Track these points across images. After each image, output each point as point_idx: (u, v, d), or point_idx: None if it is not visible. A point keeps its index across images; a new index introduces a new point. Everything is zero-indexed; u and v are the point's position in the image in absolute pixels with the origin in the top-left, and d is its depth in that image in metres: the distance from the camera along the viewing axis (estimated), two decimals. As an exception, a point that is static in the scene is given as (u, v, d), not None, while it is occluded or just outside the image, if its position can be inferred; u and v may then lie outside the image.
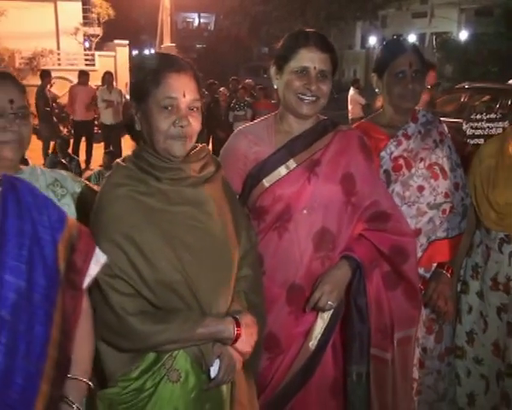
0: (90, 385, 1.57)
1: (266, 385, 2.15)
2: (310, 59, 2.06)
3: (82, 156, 11.09)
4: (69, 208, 1.80)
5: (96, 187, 1.96)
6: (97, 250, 1.58)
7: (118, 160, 1.83)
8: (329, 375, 2.20)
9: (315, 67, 2.06)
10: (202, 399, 1.77)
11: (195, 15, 41.13)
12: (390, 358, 2.19)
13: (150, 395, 1.71)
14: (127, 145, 9.95)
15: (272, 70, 2.19)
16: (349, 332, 2.17)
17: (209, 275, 1.76)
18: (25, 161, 2.20)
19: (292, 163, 2.13)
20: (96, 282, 1.61)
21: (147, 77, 1.70)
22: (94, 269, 1.56)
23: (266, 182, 2.13)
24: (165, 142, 1.71)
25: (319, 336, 2.13)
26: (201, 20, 41.33)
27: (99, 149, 11.29)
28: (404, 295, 2.24)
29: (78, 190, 1.90)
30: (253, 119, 10.26)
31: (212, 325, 1.73)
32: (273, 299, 2.10)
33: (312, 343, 2.13)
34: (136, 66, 1.79)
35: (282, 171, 2.12)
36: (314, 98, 2.09)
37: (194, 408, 1.75)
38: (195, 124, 1.73)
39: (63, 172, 1.94)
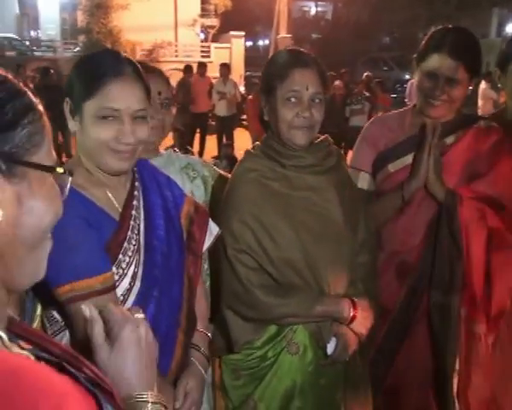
0: (209, 337, 1.75)
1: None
2: (439, 64, 2.05)
3: (195, 148, 11.10)
4: (199, 189, 2.04)
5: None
6: (211, 223, 1.77)
7: (248, 148, 2.00)
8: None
9: (443, 73, 2.05)
10: (318, 373, 1.89)
11: (312, 4, 40.37)
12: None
13: (271, 365, 1.87)
14: (239, 137, 9.97)
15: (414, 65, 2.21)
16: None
17: (328, 257, 1.85)
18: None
19: None
20: (225, 255, 1.81)
21: (274, 72, 1.83)
22: (209, 239, 1.75)
23: (391, 167, 2.20)
24: (288, 131, 1.82)
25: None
26: (318, 9, 40.56)
27: (211, 141, 11.30)
28: None
29: (207, 173, 2.11)
30: (370, 114, 9.77)
31: (330, 305, 1.84)
32: (383, 273, 2.17)
33: None
34: (268, 61, 1.93)
35: (409, 159, 2.17)
36: (444, 101, 2.09)
37: (311, 381, 1.87)
38: (317, 115, 1.83)
39: (195, 157, 2.21)
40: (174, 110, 1.98)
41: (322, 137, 1.97)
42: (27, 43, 26.39)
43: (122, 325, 0.96)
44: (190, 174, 2.05)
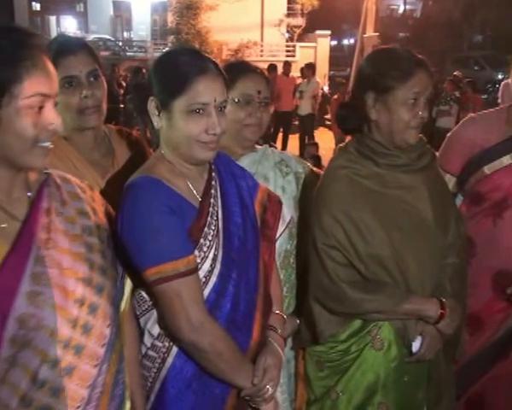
0: (285, 319, 1.80)
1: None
2: None
3: (278, 147, 11.20)
4: (291, 185, 2.07)
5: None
6: (283, 211, 1.84)
7: (341, 145, 2.03)
8: None
9: None
10: (402, 370, 1.90)
11: (401, 2, 39.42)
12: None
13: (354, 359, 1.90)
14: (322, 136, 9.94)
15: None
16: None
17: (417, 255, 1.86)
18: None
19: None
20: (314, 250, 1.87)
21: (393, 72, 1.81)
22: (281, 227, 1.84)
23: (487, 169, 2.18)
24: (405, 131, 1.83)
25: None
26: (407, 7, 39.53)
27: (293, 140, 11.35)
28: None
29: (301, 170, 2.13)
30: (458, 115, 9.44)
31: (418, 303, 1.85)
32: (478, 282, 2.15)
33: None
34: (381, 60, 1.90)
35: (506, 160, 2.14)
36: None
37: (394, 377, 1.89)
38: (427, 115, 1.86)
39: (289, 154, 2.23)
40: (272, 109, 2.03)
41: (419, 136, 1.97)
42: (120, 43, 27.60)
43: None
44: (283, 170, 2.08)
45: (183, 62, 1.50)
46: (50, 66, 1.24)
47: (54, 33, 31.79)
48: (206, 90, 1.48)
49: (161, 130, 1.54)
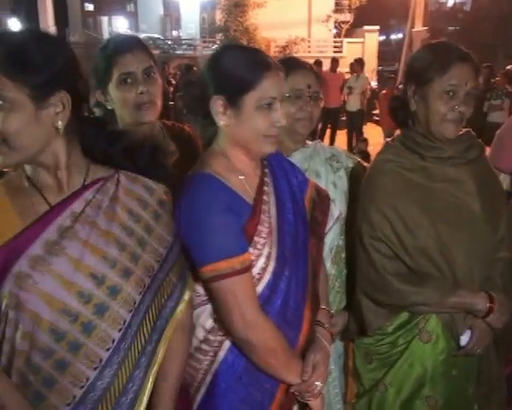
0: (332, 314, 1.83)
1: None
2: None
3: (325, 143, 11.22)
4: (341, 180, 2.09)
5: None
6: (332, 206, 1.85)
7: (388, 139, 2.04)
8: None
9: None
10: (450, 364, 1.89)
11: (450, -4, 38.59)
12: None
13: (402, 351, 1.92)
14: (370, 132, 9.86)
15: None
16: None
17: (465, 248, 1.85)
18: None
19: None
20: (361, 243, 1.89)
21: (433, 65, 1.82)
22: (330, 222, 1.84)
23: None
24: (440, 124, 1.83)
25: None
26: (456, 0, 38.63)
27: (341, 136, 11.35)
28: None
29: (351, 165, 2.14)
30: (510, 109, 9.26)
31: (465, 296, 1.84)
32: None
33: None
34: (423, 53, 1.93)
35: None
36: None
37: (442, 370, 1.89)
38: (469, 109, 1.85)
39: (339, 149, 2.26)
40: (322, 103, 2.06)
41: (465, 130, 1.96)
42: (169, 42, 28.05)
43: None
44: (334, 165, 2.10)
45: (250, 59, 1.52)
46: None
47: (106, 33, 32.66)
48: (273, 85, 1.52)
49: (224, 127, 1.55)
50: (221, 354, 1.57)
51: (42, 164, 1.31)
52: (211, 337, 1.58)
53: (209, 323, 1.58)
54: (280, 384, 1.60)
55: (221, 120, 1.53)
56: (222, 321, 1.54)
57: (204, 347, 1.59)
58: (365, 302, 1.94)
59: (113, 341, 1.29)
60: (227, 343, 1.57)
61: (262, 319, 1.50)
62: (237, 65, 1.52)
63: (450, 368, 1.90)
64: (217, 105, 1.52)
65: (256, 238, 1.54)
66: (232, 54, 1.56)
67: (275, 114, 1.53)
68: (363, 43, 21.65)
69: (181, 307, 1.47)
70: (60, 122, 1.27)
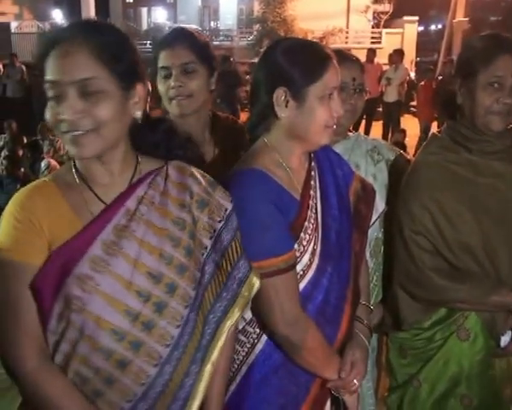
0: (371, 309, 1.80)
1: None
2: None
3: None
4: (382, 173, 2.07)
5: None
6: (377, 200, 1.82)
7: (434, 131, 2.01)
8: None
9: None
10: (487, 363, 1.86)
11: (493, -16, 37.58)
12: None
13: (438, 347, 1.88)
14: (408, 123, 9.76)
15: None
16: None
17: (509, 246, 1.81)
18: None
19: None
20: (400, 236, 1.86)
21: (477, 56, 1.80)
22: (374, 217, 1.80)
23: None
24: (485, 116, 1.80)
25: None
26: (499, -11, 37.58)
27: (376, 127, 11.31)
28: None
29: (392, 157, 2.12)
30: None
31: (508, 296, 1.79)
32: None
33: None
34: (469, 45, 1.91)
35: None
36: None
37: (479, 370, 1.85)
38: None
39: (381, 140, 2.22)
40: (366, 96, 2.04)
41: None
42: (207, 33, 28.22)
43: None
44: (375, 157, 2.08)
45: (314, 50, 1.53)
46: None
47: (145, 24, 33.10)
48: (335, 75, 1.53)
49: (284, 119, 1.52)
50: (259, 346, 1.58)
51: (108, 155, 1.31)
52: (249, 329, 1.58)
53: (248, 314, 1.58)
54: (316, 379, 1.60)
55: (281, 112, 1.52)
56: (263, 318, 1.54)
57: (242, 338, 1.59)
58: (402, 296, 1.92)
59: (173, 337, 1.30)
60: (265, 336, 1.57)
61: (303, 317, 1.51)
62: (302, 57, 1.51)
63: (488, 368, 1.87)
64: (280, 97, 1.50)
65: (302, 235, 1.54)
66: (293, 47, 1.55)
67: (334, 104, 1.52)
68: (401, 33, 21.37)
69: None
70: (138, 112, 1.31)
